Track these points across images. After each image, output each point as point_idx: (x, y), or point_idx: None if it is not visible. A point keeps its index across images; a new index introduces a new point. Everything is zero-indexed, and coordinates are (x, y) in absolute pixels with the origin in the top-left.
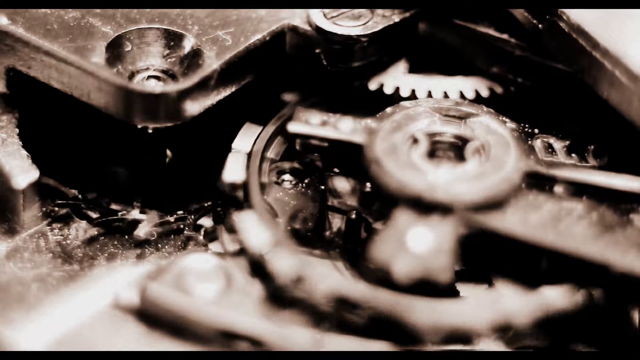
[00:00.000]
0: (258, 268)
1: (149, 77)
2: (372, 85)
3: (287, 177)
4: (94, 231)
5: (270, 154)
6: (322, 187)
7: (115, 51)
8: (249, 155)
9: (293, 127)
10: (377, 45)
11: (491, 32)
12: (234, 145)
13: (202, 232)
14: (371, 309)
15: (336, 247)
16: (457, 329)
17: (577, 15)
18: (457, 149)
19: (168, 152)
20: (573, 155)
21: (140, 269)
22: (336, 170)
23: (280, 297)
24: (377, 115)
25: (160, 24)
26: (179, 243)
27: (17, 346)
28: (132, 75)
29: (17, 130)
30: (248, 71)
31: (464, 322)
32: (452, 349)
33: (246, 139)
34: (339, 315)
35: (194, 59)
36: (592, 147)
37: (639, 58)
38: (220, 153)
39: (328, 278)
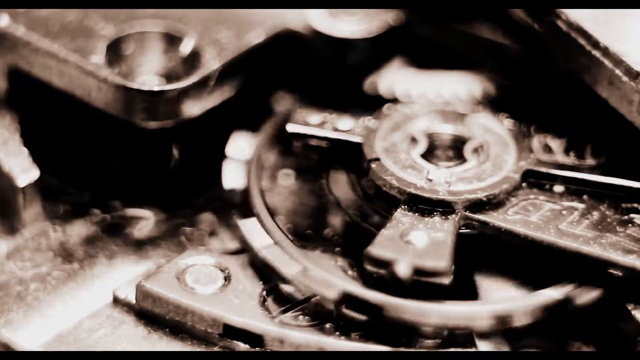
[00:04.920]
0: (260, 268)
1: (150, 77)
2: (371, 85)
3: (286, 175)
4: (94, 230)
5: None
6: (322, 186)
7: (116, 51)
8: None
9: (292, 127)
10: (375, 46)
11: (489, 32)
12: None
13: (203, 232)
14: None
15: (336, 246)
16: (457, 329)
17: (576, 14)
18: (456, 148)
19: (174, 152)
20: (571, 154)
21: (140, 268)
22: (335, 169)
23: (281, 296)
24: (376, 114)
25: (160, 25)
26: (179, 242)
27: (17, 346)
28: (132, 76)
29: (18, 129)
30: (248, 71)
31: (464, 322)
32: (452, 349)
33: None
34: (341, 314)
35: (194, 59)
36: (590, 146)
37: (638, 56)
38: (221, 153)
39: (331, 277)
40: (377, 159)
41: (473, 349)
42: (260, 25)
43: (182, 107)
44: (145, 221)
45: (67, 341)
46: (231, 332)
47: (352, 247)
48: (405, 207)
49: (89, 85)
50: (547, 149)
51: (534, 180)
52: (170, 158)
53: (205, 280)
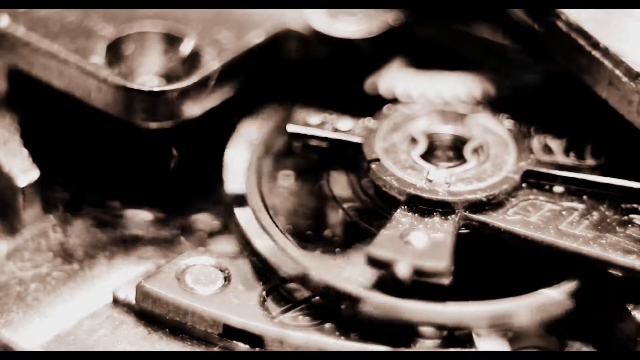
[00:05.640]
0: (260, 268)
1: (149, 77)
2: (371, 85)
3: (286, 176)
4: (94, 230)
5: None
6: (322, 187)
7: (115, 52)
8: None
9: (292, 128)
10: (374, 47)
11: (488, 33)
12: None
13: (202, 232)
14: (371, 309)
15: (335, 247)
16: (457, 329)
17: (576, 15)
18: (456, 149)
19: (174, 152)
20: (571, 154)
21: (140, 268)
22: (335, 169)
23: (281, 296)
24: (376, 115)
25: (160, 25)
26: (179, 243)
27: (16, 346)
28: (132, 76)
29: (18, 130)
30: (248, 72)
31: (463, 322)
32: (452, 349)
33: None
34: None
35: (194, 59)
36: (590, 146)
37: (638, 57)
38: (221, 153)
39: (330, 277)
40: (377, 160)
41: (473, 349)
42: (260, 25)
43: (182, 107)
44: (145, 222)
45: (67, 341)
46: (231, 332)
47: (352, 247)
48: (405, 207)
49: (89, 86)
50: (547, 149)
51: (534, 180)
52: (170, 158)
53: (205, 280)
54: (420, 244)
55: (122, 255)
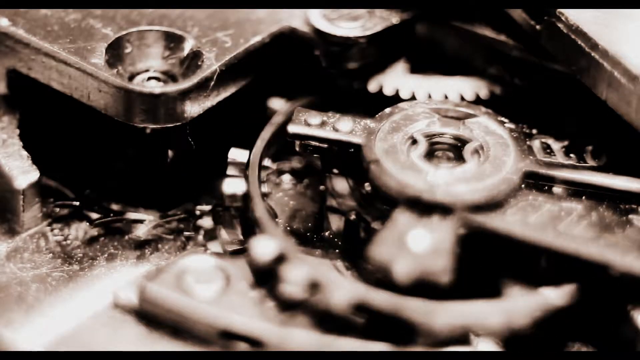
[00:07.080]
0: (265, 275)
1: (149, 78)
2: (371, 86)
3: (286, 177)
4: (94, 231)
5: (270, 154)
6: (322, 188)
7: (115, 53)
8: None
9: (292, 128)
10: (375, 47)
11: (489, 33)
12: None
13: (202, 233)
14: (371, 310)
15: (335, 248)
16: (457, 329)
17: (576, 16)
18: (456, 150)
19: (170, 153)
20: (571, 155)
21: (140, 269)
22: (335, 170)
23: (281, 299)
24: (376, 115)
25: (160, 26)
26: (179, 243)
27: (17, 346)
28: (132, 77)
29: (17, 131)
30: (247, 72)
31: (463, 322)
32: (452, 350)
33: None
34: (343, 316)
35: (193, 60)
36: (590, 147)
37: (638, 58)
38: (220, 154)
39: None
40: (377, 160)
41: (473, 349)
42: (260, 25)
43: (182, 108)
44: (144, 223)
45: (68, 341)
46: (231, 332)
47: (352, 248)
48: (405, 208)
49: (89, 87)
50: (547, 150)
51: (534, 181)
52: (169, 159)
53: (206, 280)
54: (419, 244)
55: (122, 256)
